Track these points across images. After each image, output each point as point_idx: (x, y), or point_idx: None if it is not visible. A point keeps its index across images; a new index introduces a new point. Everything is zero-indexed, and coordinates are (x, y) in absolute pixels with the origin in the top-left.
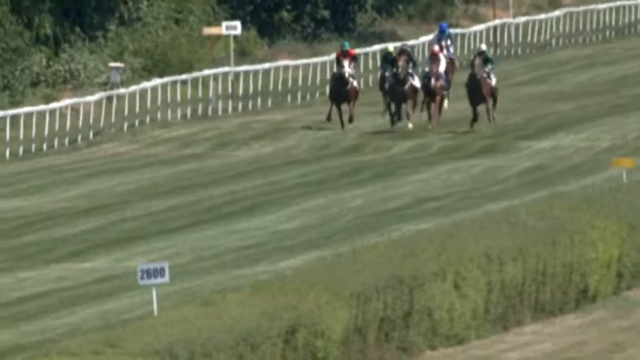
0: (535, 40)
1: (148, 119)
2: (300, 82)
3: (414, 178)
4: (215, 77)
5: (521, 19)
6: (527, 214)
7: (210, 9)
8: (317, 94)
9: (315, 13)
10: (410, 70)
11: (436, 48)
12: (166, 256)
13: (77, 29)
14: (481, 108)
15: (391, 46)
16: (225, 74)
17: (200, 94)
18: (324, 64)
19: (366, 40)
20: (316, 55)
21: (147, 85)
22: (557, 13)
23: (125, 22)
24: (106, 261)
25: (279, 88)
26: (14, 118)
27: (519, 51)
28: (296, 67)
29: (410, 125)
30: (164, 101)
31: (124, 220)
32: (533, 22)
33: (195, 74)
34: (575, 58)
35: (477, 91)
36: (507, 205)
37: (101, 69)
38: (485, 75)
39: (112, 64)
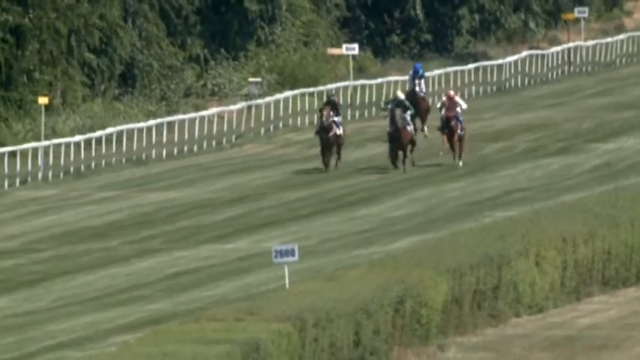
0: (603, 59)
1: (280, 125)
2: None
3: (501, 174)
4: (337, 90)
5: (591, 42)
6: (596, 203)
7: (333, 33)
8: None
9: (419, 36)
10: (335, 119)
11: (451, 92)
12: (296, 238)
13: (222, 50)
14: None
15: (401, 94)
16: (345, 87)
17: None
18: (427, 79)
19: (462, 59)
20: None
21: (280, 96)
22: (621, 36)
23: (262, 44)
24: (247, 242)
25: (390, 98)
26: (170, 124)
27: (589, 69)
28: (404, 82)
29: (333, 163)
30: (294, 110)
31: (261, 208)
32: (601, 44)
33: (320, 87)
34: (636, 74)
35: (398, 140)
36: (580, 196)
37: (242, 83)
38: (406, 124)
39: (251, 79)
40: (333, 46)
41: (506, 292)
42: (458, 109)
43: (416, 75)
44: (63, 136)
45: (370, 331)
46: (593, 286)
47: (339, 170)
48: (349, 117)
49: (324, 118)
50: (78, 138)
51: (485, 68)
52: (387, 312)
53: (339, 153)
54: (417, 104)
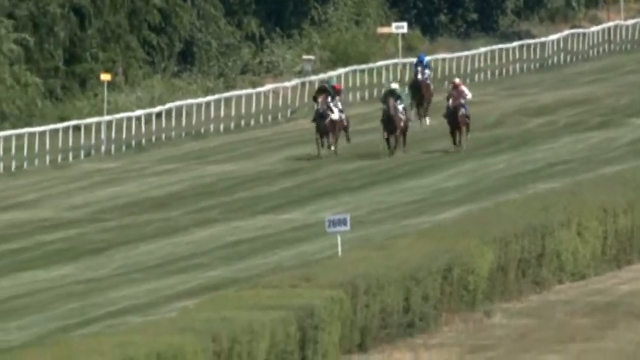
0: None
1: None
2: (454, 70)
3: (544, 147)
4: (386, 67)
5: (631, 21)
6: (635, 175)
7: (383, 12)
8: (467, 80)
9: (466, 16)
10: (330, 105)
11: (457, 80)
12: (349, 209)
13: (277, 29)
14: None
15: (394, 84)
16: (395, 65)
17: (374, 80)
18: (473, 57)
19: (507, 37)
20: (468, 49)
21: (332, 73)
22: None
23: (315, 23)
24: (301, 213)
25: (439, 75)
26: (227, 100)
27: (629, 47)
28: (451, 59)
29: (333, 148)
30: (346, 86)
31: (315, 180)
32: None
33: (370, 65)
34: None
35: (391, 125)
36: (619, 169)
37: (296, 60)
38: (399, 113)
39: (305, 57)
40: (382, 25)
41: (550, 261)
42: (463, 99)
43: (420, 64)
44: (124, 111)
45: (419, 298)
46: (632, 255)
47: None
48: None
49: (319, 105)
50: (139, 113)
51: (528, 46)
52: (435, 279)
53: (347, 138)
54: (420, 92)
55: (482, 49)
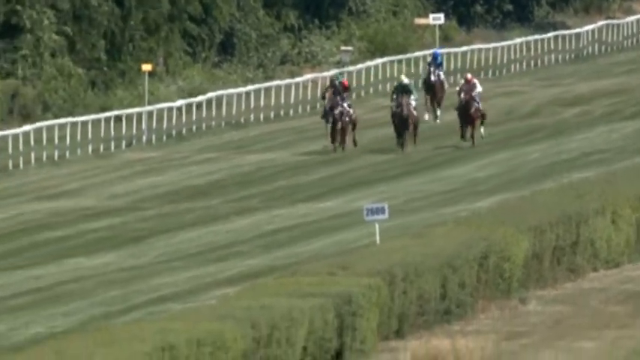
0: None
1: (371, 90)
2: (490, 61)
3: (579, 137)
4: (424, 57)
5: None
6: None
7: (420, 3)
8: (504, 71)
9: (502, 6)
10: (338, 100)
11: (469, 75)
12: (386, 197)
13: (315, 20)
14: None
15: (405, 79)
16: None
17: (412, 70)
18: (508, 47)
19: (542, 28)
20: (503, 39)
21: (370, 63)
22: None
23: (353, 14)
24: (340, 201)
25: (474, 65)
26: (267, 90)
27: None
28: (487, 50)
29: (343, 146)
30: (383, 76)
31: (353, 169)
32: None
33: (408, 55)
34: None
35: (404, 122)
36: None
37: (334, 51)
38: (411, 109)
39: (343, 48)
40: (420, 16)
41: (584, 248)
42: (475, 92)
43: (434, 62)
44: (165, 101)
45: (456, 285)
46: None
47: (424, 133)
48: None
49: (326, 101)
50: (179, 103)
51: (563, 37)
52: (471, 267)
53: (353, 132)
54: (433, 89)
55: (518, 40)
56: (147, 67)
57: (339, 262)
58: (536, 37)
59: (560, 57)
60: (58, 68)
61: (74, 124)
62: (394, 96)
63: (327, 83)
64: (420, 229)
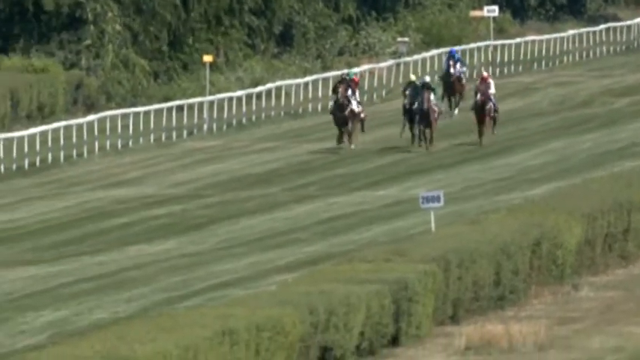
0: None
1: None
2: (543, 52)
3: (631, 127)
4: (478, 49)
5: None
6: None
7: None
8: (557, 62)
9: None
10: (349, 97)
11: (485, 74)
12: (442, 185)
13: (373, 12)
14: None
15: (413, 76)
16: (487, 46)
17: (467, 61)
18: (561, 39)
19: (594, 21)
20: (556, 32)
21: (426, 54)
22: None
23: (409, 6)
24: (396, 189)
25: (528, 57)
26: (325, 80)
27: None
28: (540, 42)
29: (353, 146)
30: (439, 67)
31: (409, 158)
32: None
33: (463, 46)
34: None
35: (425, 119)
36: None
37: (391, 42)
38: (433, 105)
39: (400, 39)
40: (475, 8)
41: (635, 235)
42: (491, 91)
43: (452, 58)
44: (226, 91)
45: (509, 271)
46: None
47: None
48: (491, 74)
49: (339, 96)
50: (240, 93)
51: (615, 29)
52: (525, 253)
53: (362, 129)
54: (451, 85)
55: (571, 32)
56: (208, 59)
57: (396, 249)
58: (588, 29)
59: (611, 49)
60: (122, 59)
61: (137, 114)
62: (406, 92)
63: (340, 78)
64: (474, 216)
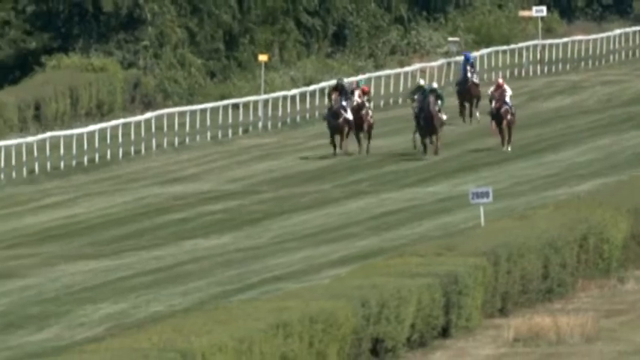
0: None
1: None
2: (590, 51)
3: None
4: (527, 48)
5: None
6: None
7: None
8: (603, 61)
9: (602, 0)
10: (343, 104)
11: (500, 80)
12: (491, 182)
13: (424, 12)
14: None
15: (422, 81)
16: (535, 46)
17: (516, 60)
18: (608, 39)
19: None
20: (603, 31)
21: (476, 54)
22: None
23: (460, 7)
24: (446, 186)
25: (575, 56)
26: (377, 79)
27: None
28: (587, 41)
29: (350, 150)
30: (489, 66)
31: (459, 155)
32: None
33: (512, 46)
34: None
35: (429, 124)
36: None
37: (441, 42)
38: (437, 110)
39: (450, 39)
40: (523, 8)
41: None
42: (507, 97)
43: (467, 63)
44: (280, 89)
45: (557, 265)
46: None
47: (528, 119)
48: (538, 72)
49: (333, 102)
50: (294, 92)
51: None
52: (572, 247)
53: (369, 136)
54: (468, 91)
55: (617, 31)
56: (263, 58)
57: (446, 243)
58: (635, 28)
59: None
60: (178, 59)
61: (193, 112)
62: (415, 96)
63: (332, 86)
64: (523, 211)
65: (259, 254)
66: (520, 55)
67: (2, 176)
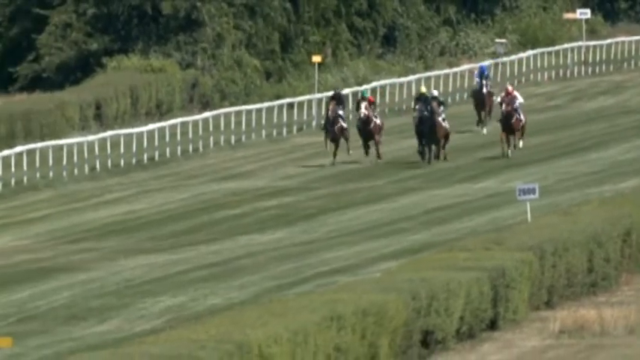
0: None
1: (523, 80)
2: (633, 52)
3: None
4: (571, 49)
5: None
6: None
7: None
8: None
9: None
10: (340, 113)
11: (509, 87)
12: (536, 179)
13: (472, 14)
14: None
15: (423, 88)
16: (579, 47)
17: (561, 61)
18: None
19: None
20: None
21: (522, 55)
22: None
23: (506, 9)
24: (494, 182)
25: (618, 57)
26: (427, 79)
27: None
28: (630, 42)
29: (351, 152)
30: (534, 66)
31: (506, 153)
32: None
33: (557, 47)
34: None
35: (432, 133)
36: None
37: (489, 43)
38: (440, 118)
39: (497, 40)
40: (568, 10)
41: None
42: (517, 103)
43: (482, 75)
44: (333, 89)
45: (601, 259)
46: None
47: (572, 119)
48: (582, 73)
49: (330, 112)
50: (346, 91)
51: None
52: (616, 242)
53: (378, 143)
54: (483, 101)
55: None
56: (317, 59)
57: (494, 238)
58: None
59: None
60: (235, 60)
61: (249, 111)
62: (417, 106)
63: (330, 96)
64: (568, 207)
65: (314, 248)
66: (565, 56)
67: (65, 173)
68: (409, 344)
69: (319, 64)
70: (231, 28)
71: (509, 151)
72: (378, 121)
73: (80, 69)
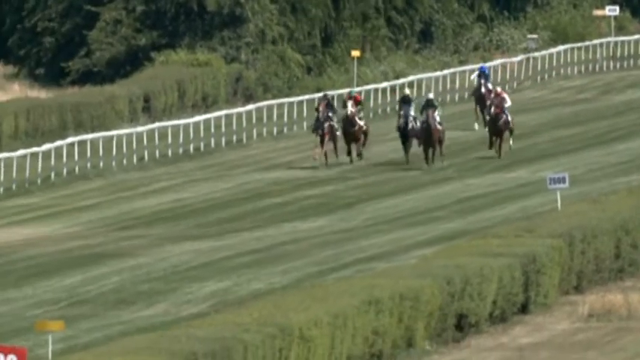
0: None
1: (554, 74)
2: None
3: None
4: (601, 45)
5: None
6: None
7: None
8: None
9: None
10: (329, 114)
11: (498, 89)
12: (567, 168)
13: (505, 11)
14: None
15: (407, 90)
16: (608, 42)
17: (590, 56)
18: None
19: None
20: None
21: (553, 50)
22: None
23: (538, 6)
24: (526, 172)
25: None
26: (462, 74)
27: None
28: None
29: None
30: (565, 61)
31: (537, 143)
32: None
33: (586, 42)
34: None
35: (429, 138)
36: None
37: (521, 39)
38: (437, 123)
39: (529, 36)
40: (597, 7)
41: None
42: (505, 105)
43: (482, 74)
44: (372, 83)
45: (629, 246)
46: None
47: (602, 111)
48: (611, 67)
49: (320, 113)
50: (384, 85)
51: None
52: None
53: (364, 143)
54: (483, 98)
55: None
56: (356, 53)
57: (525, 226)
58: None
59: None
60: (278, 54)
61: (291, 104)
62: (401, 111)
63: (320, 97)
64: (596, 196)
65: (353, 236)
66: (594, 51)
67: (114, 163)
68: (444, 327)
69: (358, 58)
70: (273, 24)
71: (501, 152)
72: (362, 123)
73: (129, 63)
